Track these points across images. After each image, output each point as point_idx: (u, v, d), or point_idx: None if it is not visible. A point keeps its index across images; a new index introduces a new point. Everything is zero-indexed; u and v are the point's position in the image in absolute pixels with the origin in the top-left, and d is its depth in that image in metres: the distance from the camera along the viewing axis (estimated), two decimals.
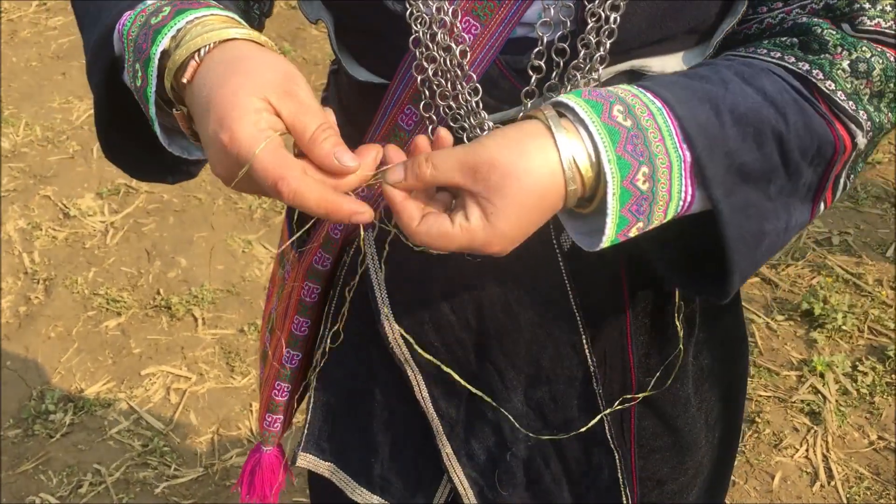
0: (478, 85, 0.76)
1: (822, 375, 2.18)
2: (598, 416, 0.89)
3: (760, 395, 2.20)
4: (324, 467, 1.05)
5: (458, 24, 0.74)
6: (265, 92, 0.62)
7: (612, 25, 0.72)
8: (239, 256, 2.71)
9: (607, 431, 0.89)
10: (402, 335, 0.89)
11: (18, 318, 2.54)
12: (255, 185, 0.64)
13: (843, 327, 2.27)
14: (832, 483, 1.97)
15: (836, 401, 2.13)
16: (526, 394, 0.90)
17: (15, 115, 3.40)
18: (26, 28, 4.00)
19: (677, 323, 0.86)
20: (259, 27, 0.89)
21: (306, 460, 1.05)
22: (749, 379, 2.23)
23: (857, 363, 2.22)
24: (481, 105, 0.77)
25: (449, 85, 0.76)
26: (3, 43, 3.88)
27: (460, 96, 0.77)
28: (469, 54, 0.75)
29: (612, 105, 0.65)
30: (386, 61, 0.80)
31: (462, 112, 0.78)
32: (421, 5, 0.74)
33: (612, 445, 0.90)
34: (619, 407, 0.90)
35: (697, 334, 0.91)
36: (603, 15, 0.71)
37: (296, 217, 1.02)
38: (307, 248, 0.95)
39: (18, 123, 3.35)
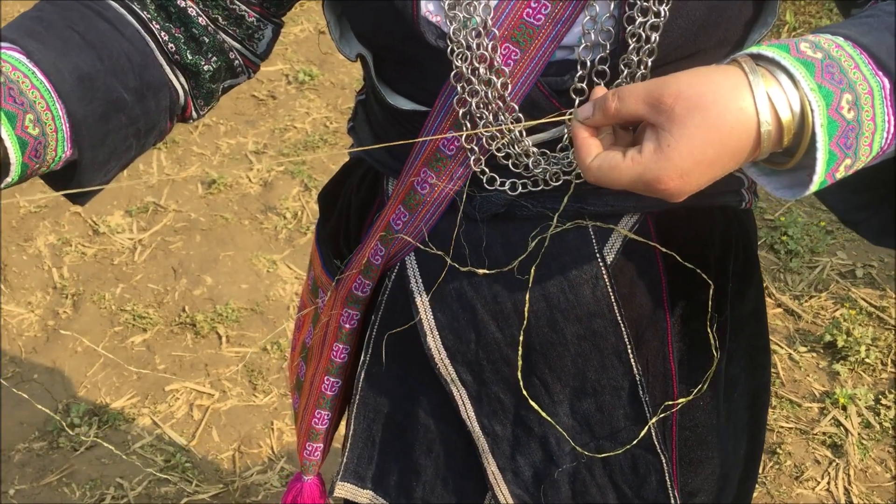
0: (520, 115, 0.78)
1: (844, 408, 2.17)
2: (648, 425, 0.89)
3: (782, 427, 2.19)
4: (363, 496, 1.05)
5: (498, 57, 0.76)
6: None
7: (653, 45, 0.73)
8: (263, 276, 2.74)
9: (654, 437, 0.90)
10: (447, 355, 0.91)
11: (46, 331, 2.58)
12: None
13: (867, 360, 2.27)
14: None
15: (859, 434, 2.12)
16: (572, 406, 0.91)
17: None
18: None
19: (709, 331, 0.87)
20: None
21: (345, 489, 1.05)
22: (770, 409, 2.22)
23: (881, 396, 2.21)
24: (524, 134, 0.79)
25: (491, 116, 0.79)
26: None
27: (503, 126, 0.79)
28: (510, 84, 0.77)
29: (797, 43, 0.65)
30: (426, 90, 0.82)
31: (505, 141, 0.80)
32: (462, 41, 0.76)
33: (659, 451, 0.90)
34: (667, 413, 0.90)
35: (728, 342, 0.92)
36: (644, 35, 0.73)
37: (327, 238, 1.04)
38: (346, 275, 0.97)
39: None
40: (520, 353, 0.87)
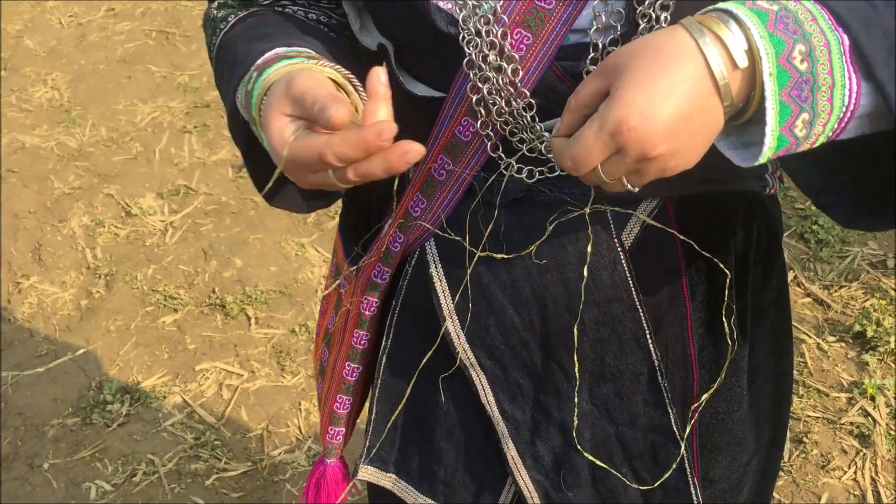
0: (532, 101, 0.79)
1: (872, 398, 2.15)
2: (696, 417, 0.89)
3: (809, 416, 2.18)
4: (386, 479, 1.06)
5: (508, 43, 0.77)
6: (278, 110, 0.72)
7: (663, 24, 0.73)
8: (292, 259, 2.77)
9: (673, 424, 0.90)
10: (467, 339, 0.91)
11: (80, 311, 2.62)
12: (322, 181, 0.73)
13: None
14: None
15: (887, 424, 2.11)
16: (591, 392, 0.91)
17: (82, 115, 3.51)
18: (94, 32, 4.13)
19: (724, 320, 0.87)
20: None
21: (368, 473, 1.06)
22: (797, 398, 2.21)
23: None
24: (537, 119, 0.80)
25: (503, 102, 0.79)
26: (73, 46, 4.02)
27: (515, 112, 0.79)
28: (521, 70, 0.78)
29: None
30: (442, 76, 0.83)
31: (518, 126, 0.81)
32: (472, 27, 0.77)
33: (678, 438, 0.90)
34: (699, 402, 0.90)
35: (750, 329, 0.92)
36: (653, 15, 0.73)
37: (350, 229, 1.05)
38: (365, 262, 0.98)
39: (85, 124, 3.46)
40: (575, 346, 0.87)
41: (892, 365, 2.27)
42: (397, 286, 0.97)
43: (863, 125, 0.68)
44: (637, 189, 0.69)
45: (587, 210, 0.83)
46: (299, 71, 0.74)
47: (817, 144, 0.68)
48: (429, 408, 1.00)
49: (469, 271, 0.89)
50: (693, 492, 0.92)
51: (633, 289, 0.85)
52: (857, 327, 2.34)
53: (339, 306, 1.06)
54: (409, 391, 1.00)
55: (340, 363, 1.05)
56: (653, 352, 0.88)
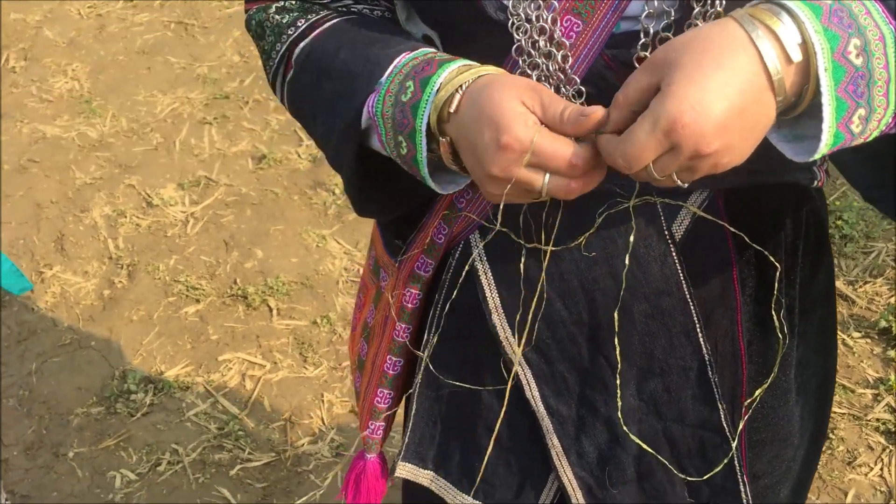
0: (581, 87, 0.78)
1: None
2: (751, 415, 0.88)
3: (835, 412, 2.17)
4: (423, 476, 1.05)
5: (558, 29, 0.76)
6: (521, 97, 0.72)
7: (719, 8, 0.72)
8: (313, 250, 2.77)
9: (723, 420, 0.89)
10: (512, 333, 0.91)
11: (103, 300, 2.63)
12: (529, 183, 0.72)
13: None
14: None
15: None
16: (638, 387, 0.90)
17: (102, 106, 3.52)
18: (114, 23, 4.14)
19: (774, 314, 0.86)
20: None
21: (405, 470, 1.05)
22: None
23: None
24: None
25: (552, 89, 0.79)
26: (92, 37, 4.03)
27: (564, 98, 0.79)
28: (570, 57, 0.77)
29: None
30: (490, 64, 0.82)
31: None
32: (522, 13, 0.76)
33: (728, 434, 0.89)
34: (753, 397, 0.89)
35: (798, 323, 0.91)
36: None
37: (389, 220, 1.05)
38: (408, 255, 0.97)
39: (105, 114, 3.47)
40: (616, 349, 0.86)
41: None
42: (440, 279, 0.96)
43: None
44: (687, 185, 0.69)
45: (637, 202, 0.82)
46: (504, 75, 0.76)
47: (870, 139, 0.68)
48: (471, 402, 0.98)
49: (522, 263, 0.88)
50: (742, 489, 0.91)
51: (683, 282, 0.84)
52: (883, 323, 2.32)
53: (379, 299, 1.05)
54: (450, 387, 1.00)
55: (381, 357, 1.04)
56: (703, 346, 0.87)
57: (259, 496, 2.08)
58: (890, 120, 0.66)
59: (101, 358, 2.45)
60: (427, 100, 0.76)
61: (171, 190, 3.07)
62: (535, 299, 0.88)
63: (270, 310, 2.57)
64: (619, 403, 0.88)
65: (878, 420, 2.13)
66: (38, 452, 2.20)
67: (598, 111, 0.70)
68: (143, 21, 4.15)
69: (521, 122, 0.70)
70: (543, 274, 0.87)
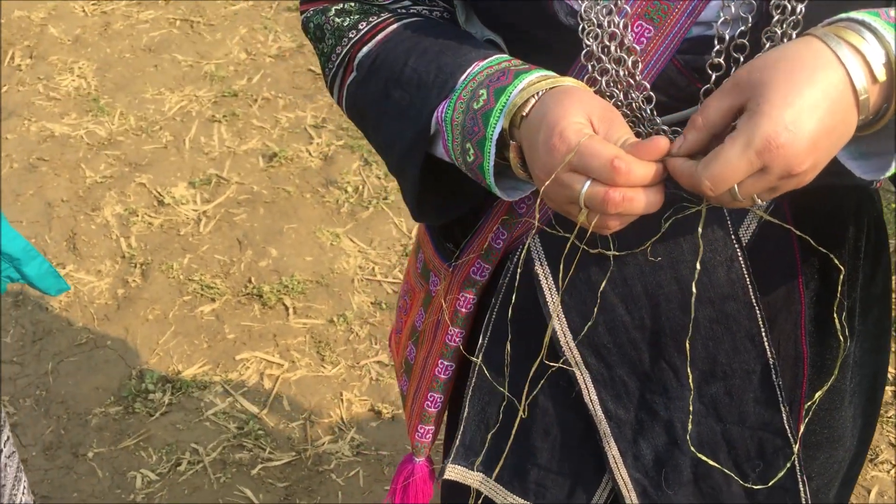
0: (651, 93, 0.78)
1: None
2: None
3: None
4: (473, 478, 1.05)
5: (630, 34, 0.76)
6: (589, 113, 0.72)
7: (798, 16, 0.72)
8: (327, 249, 2.77)
9: (785, 421, 0.89)
10: (573, 339, 0.91)
11: (117, 299, 2.63)
12: (570, 188, 0.72)
13: None
14: None
15: None
16: (699, 390, 0.90)
17: (110, 104, 3.51)
18: (119, 21, 4.12)
19: (836, 317, 0.87)
20: None
21: (455, 472, 1.05)
22: None
23: None
24: (655, 113, 0.79)
25: (622, 94, 0.79)
26: (97, 35, 4.01)
27: (633, 104, 0.79)
28: (640, 63, 0.77)
29: (887, 10, 0.66)
30: (556, 69, 0.82)
31: (635, 119, 0.80)
32: (593, 18, 0.76)
33: (790, 436, 0.90)
34: (814, 399, 0.89)
35: (857, 325, 0.92)
36: (789, 7, 0.72)
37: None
38: (464, 259, 0.97)
39: (113, 113, 3.45)
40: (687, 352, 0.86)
41: None
42: (496, 283, 0.96)
43: None
44: (765, 203, 0.69)
45: (703, 206, 0.82)
46: (584, 89, 0.76)
47: None
48: (526, 406, 0.98)
49: (572, 266, 0.88)
50: (802, 489, 0.92)
51: (749, 286, 0.85)
52: None
53: (430, 303, 1.05)
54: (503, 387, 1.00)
55: (432, 360, 1.04)
56: (767, 350, 0.87)
57: (281, 496, 2.08)
58: None
59: (117, 357, 2.44)
60: (501, 109, 0.76)
61: (183, 188, 3.06)
62: (596, 305, 0.88)
63: (286, 308, 2.57)
64: (692, 408, 0.88)
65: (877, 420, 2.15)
66: (58, 453, 2.20)
67: (663, 141, 0.70)
68: (149, 18, 4.13)
69: (576, 129, 0.71)
70: (606, 281, 0.87)
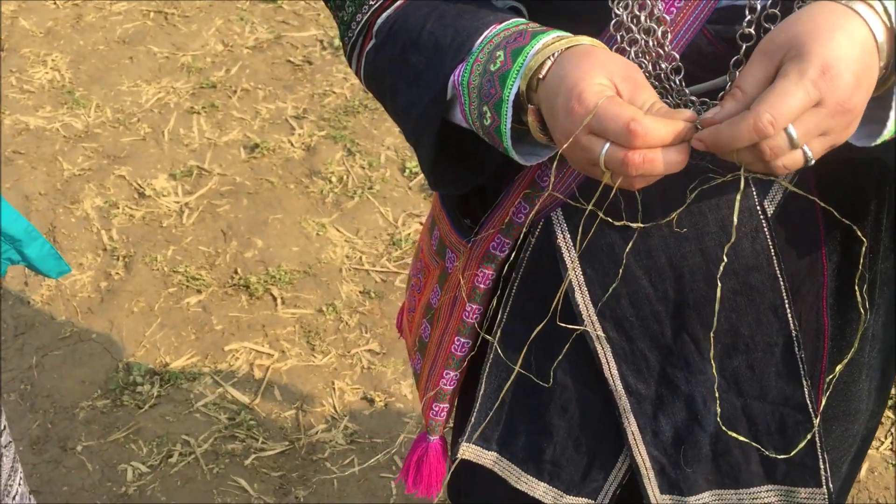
0: (680, 64, 0.78)
1: None
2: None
3: None
4: (487, 457, 1.05)
5: (660, 4, 0.76)
6: (611, 74, 0.71)
7: None
8: (313, 239, 2.75)
9: (807, 397, 0.89)
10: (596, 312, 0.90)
11: (100, 292, 2.59)
12: (589, 151, 0.71)
13: None
14: None
15: None
16: (720, 364, 0.90)
17: (85, 96, 3.46)
18: (91, 13, 4.06)
19: (857, 289, 0.87)
20: None
21: (470, 451, 1.04)
22: None
23: None
24: (684, 83, 0.79)
25: (650, 65, 0.79)
26: (70, 27, 3.95)
27: (662, 75, 0.79)
28: (670, 33, 0.77)
29: None
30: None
31: (664, 90, 0.80)
32: None
33: (811, 411, 0.90)
34: (832, 374, 0.90)
35: (876, 298, 0.93)
36: None
37: (456, 199, 1.03)
38: (484, 234, 0.96)
39: (89, 105, 3.40)
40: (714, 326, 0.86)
41: None
42: (516, 258, 0.95)
43: None
44: (814, 161, 0.68)
45: (729, 177, 0.82)
46: (602, 49, 0.75)
47: None
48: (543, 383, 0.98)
49: (589, 236, 0.88)
50: (822, 466, 0.92)
51: (774, 257, 0.85)
52: None
53: (447, 280, 1.05)
54: (521, 367, 0.99)
55: (449, 338, 1.04)
56: (791, 322, 0.87)
57: (276, 485, 2.07)
58: None
59: (102, 350, 2.41)
60: (518, 70, 0.75)
61: (163, 180, 3.02)
62: (619, 276, 0.88)
63: (274, 299, 2.55)
64: (717, 381, 0.89)
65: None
66: (45, 447, 2.17)
67: (691, 115, 0.70)
68: (122, 10, 4.07)
69: (596, 91, 0.70)
70: (628, 248, 0.87)
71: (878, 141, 0.70)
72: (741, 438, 0.90)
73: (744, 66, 0.70)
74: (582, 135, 0.71)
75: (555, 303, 0.89)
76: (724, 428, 0.90)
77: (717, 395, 0.90)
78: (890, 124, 0.68)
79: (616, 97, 0.71)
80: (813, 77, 0.64)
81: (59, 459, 2.14)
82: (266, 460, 2.12)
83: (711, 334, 0.86)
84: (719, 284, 0.83)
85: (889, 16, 0.66)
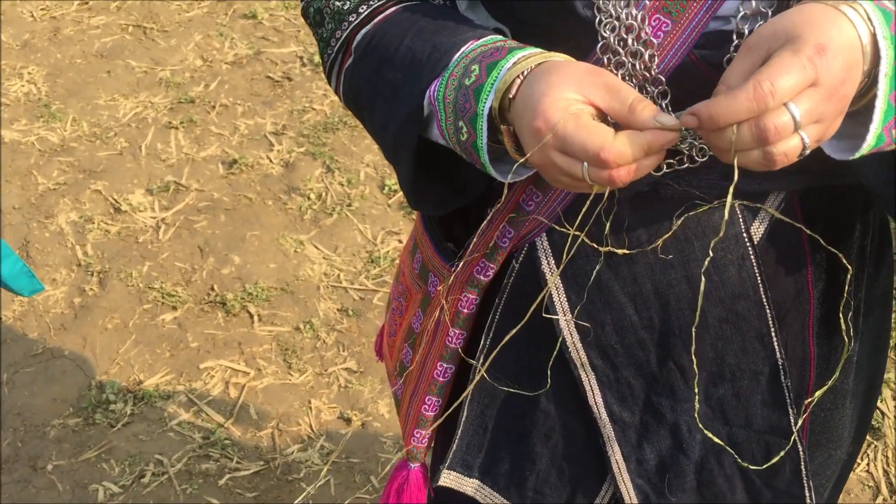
0: (666, 88, 0.77)
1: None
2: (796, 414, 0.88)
3: None
4: (468, 484, 1.03)
5: (647, 28, 0.76)
6: (580, 86, 0.69)
7: None
8: (291, 256, 2.73)
9: (793, 425, 0.88)
10: (581, 338, 0.89)
11: (74, 309, 2.55)
12: (568, 171, 0.70)
13: None
14: (894, 497, 2.00)
15: (895, 417, 2.17)
16: (706, 392, 0.89)
17: (62, 110, 3.42)
18: (69, 26, 4.03)
19: (841, 316, 0.87)
20: None
21: (450, 478, 1.03)
22: None
23: None
24: (670, 108, 0.79)
25: (637, 88, 0.78)
26: (47, 40, 3.91)
27: (649, 98, 0.77)
28: (657, 57, 0.76)
29: None
30: None
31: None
32: (611, 10, 0.76)
33: (797, 439, 0.89)
34: (814, 398, 0.89)
35: (861, 325, 0.93)
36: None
37: (438, 222, 1.02)
38: (468, 258, 0.95)
39: (66, 119, 3.37)
40: (693, 342, 0.85)
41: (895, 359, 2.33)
42: (499, 283, 0.94)
43: None
44: (809, 151, 0.66)
45: (716, 204, 0.81)
46: (570, 62, 0.74)
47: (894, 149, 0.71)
48: (527, 409, 0.96)
49: (597, 268, 0.87)
50: (808, 494, 0.91)
51: (760, 285, 0.84)
52: None
53: (429, 304, 1.03)
54: (504, 393, 0.97)
55: (431, 363, 1.02)
56: (777, 350, 0.86)
57: None
58: None
59: (75, 368, 2.37)
60: (492, 83, 0.74)
61: (140, 195, 2.99)
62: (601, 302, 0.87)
63: (251, 316, 2.52)
64: (697, 407, 0.88)
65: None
66: (15, 466, 2.13)
67: (676, 124, 0.69)
68: (100, 24, 4.04)
69: (559, 107, 0.69)
70: (615, 281, 0.86)
71: (856, 155, 0.69)
72: (718, 441, 0.89)
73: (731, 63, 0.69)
74: (556, 156, 0.70)
75: (529, 309, 0.88)
76: (700, 425, 0.88)
77: (697, 419, 0.89)
78: (870, 137, 0.68)
79: (581, 117, 0.69)
80: (809, 54, 0.63)
81: (29, 479, 2.10)
82: (240, 480, 2.09)
83: (694, 357, 0.85)
84: (700, 302, 0.81)
85: (871, 22, 0.66)
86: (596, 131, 0.68)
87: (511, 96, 0.74)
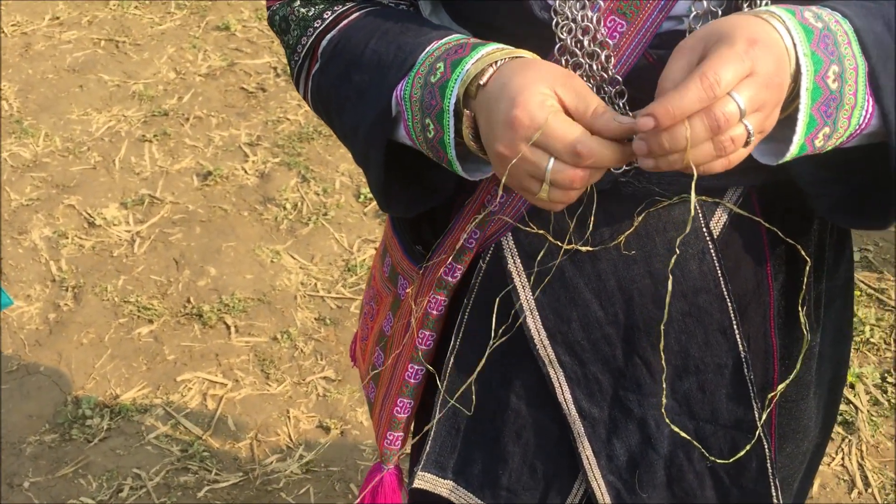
0: (623, 88, 0.79)
1: (852, 386, 2.23)
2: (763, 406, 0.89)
3: None
4: (443, 486, 1.03)
5: (603, 29, 0.78)
6: (552, 84, 0.72)
7: (768, 7, 0.74)
8: (268, 266, 2.73)
9: (758, 420, 0.89)
10: (547, 335, 0.90)
11: (48, 324, 2.54)
12: (532, 164, 0.72)
13: (871, 340, 2.34)
14: (869, 490, 2.02)
15: (868, 411, 2.19)
16: (672, 386, 0.90)
17: (34, 125, 3.40)
18: (40, 41, 4.01)
19: (800, 309, 0.88)
20: None
21: (424, 480, 1.03)
22: None
23: (886, 374, 2.28)
24: (628, 108, 0.80)
25: (595, 88, 0.80)
26: (18, 56, 3.89)
27: (606, 98, 0.80)
28: (613, 58, 0.78)
29: (802, 10, 0.70)
30: None
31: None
32: (567, 13, 0.77)
33: (762, 435, 0.90)
34: (776, 392, 0.90)
35: (822, 316, 0.94)
36: (759, 1, 0.75)
37: (407, 225, 1.03)
38: (436, 260, 0.96)
39: (38, 134, 3.35)
40: (662, 336, 0.87)
41: (868, 354, 2.36)
42: (467, 284, 0.95)
43: (860, 140, 0.75)
44: (752, 143, 0.68)
45: (675, 200, 0.83)
46: (542, 61, 0.76)
47: (824, 152, 0.74)
48: (498, 408, 0.97)
49: (558, 260, 0.88)
50: (774, 493, 0.92)
51: (721, 278, 0.85)
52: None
53: (399, 307, 1.04)
54: (476, 393, 0.97)
55: (402, 365, 1.02)
56: (739, 342, 0.88)
57: None
58: (845, 139, 0.73)
59: (51, 384, 2.36)
60: (456, 79, 0.76)
61: (114, 209, 2.98)
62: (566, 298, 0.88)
63: (228, 327, 2.52)
64: (665, 401, 0.89)
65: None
66: None
67: (632, 122, 0.71)
68: (71, 39, 4.03)
69: (539, 101, 0.71)
70: (580, 277, 0.87)
71: (779, 162, 0.72)
72: (684, 435, 0.90)
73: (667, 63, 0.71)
74: (525, 148, 0.71)
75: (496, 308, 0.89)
76: (667, 420, 0.90)
77: (665, 413, 0.90)
78: (793, 147, 0.70)
79: (561, 112, 0.72)
80: (743, 48, 0.66)
81: (5, 497, 2.07)
82: (220, 492, 2.08)
83: (662, 353, 0.86)
84: (668, 299, 0.83)
85: (793, 37, 0.69)
86: (575, 125, 0.71)
87: (482, 82, 0.75)
